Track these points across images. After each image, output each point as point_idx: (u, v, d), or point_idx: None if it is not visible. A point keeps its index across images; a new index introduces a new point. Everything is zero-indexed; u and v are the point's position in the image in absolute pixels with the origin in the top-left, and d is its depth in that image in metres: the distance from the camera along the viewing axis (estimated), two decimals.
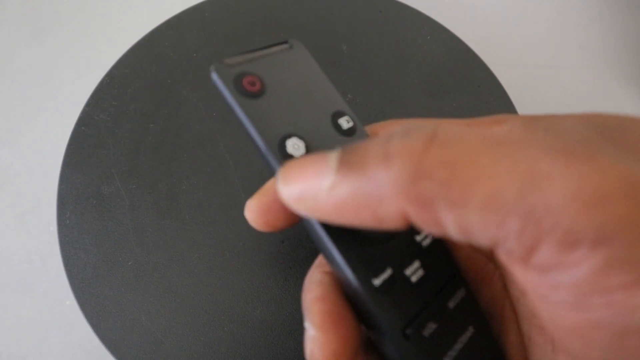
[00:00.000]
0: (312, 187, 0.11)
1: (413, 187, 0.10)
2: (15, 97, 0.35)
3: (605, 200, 0.09)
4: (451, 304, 0.14)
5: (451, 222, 0.10)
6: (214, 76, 0.13)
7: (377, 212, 0.11)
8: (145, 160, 0.27)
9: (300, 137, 0.13)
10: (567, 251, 0.09)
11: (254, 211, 0.15)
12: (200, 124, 0.28)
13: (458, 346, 0.13)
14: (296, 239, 0.25)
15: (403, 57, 0.31)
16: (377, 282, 0.13)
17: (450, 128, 0.11)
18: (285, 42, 0.15)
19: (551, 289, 0.11)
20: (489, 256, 0.15)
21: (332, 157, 0.11)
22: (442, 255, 0.14)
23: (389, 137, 0.11)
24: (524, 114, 0.29)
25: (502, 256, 0.12)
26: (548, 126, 0.11)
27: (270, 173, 0.13)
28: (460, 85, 0.30)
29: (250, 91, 0.13)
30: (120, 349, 0.22)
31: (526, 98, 0.35)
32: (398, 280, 0.13)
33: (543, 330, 0.13)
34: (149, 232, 0.25)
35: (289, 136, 0.13)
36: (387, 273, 0.13)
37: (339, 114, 0.15)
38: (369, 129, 0.16)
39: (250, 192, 0.26)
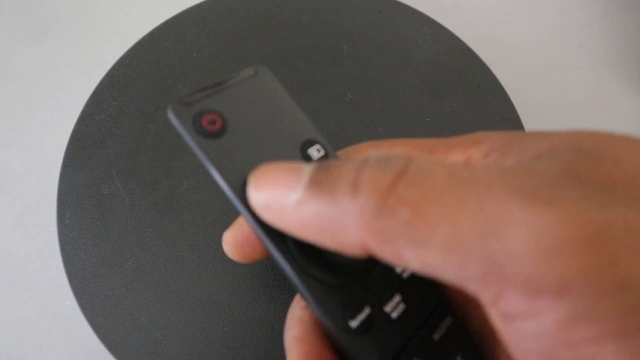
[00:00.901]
0: (280, 198, 0.11)
1: (375, 222, 0.10)
2: (15, 97, 0.35)
3: (567, 249, 0.09)
4: (436, 336, 0.13)
5: (412, 259, 0.10)
6: (171, 116, 0.12)
7: (339, 237, 0.11)
8: (145, 160, 0.27)
9: None
10: (531, 300, 0.09)
11: (230, 244, 0.15)
12: None
13: None
14: None
15: (403, 57, 0.31)
16: (354, 323, 0.12)
17: (422, 163, 0.10)
18: (250, 68, 0.15)
19: (520, 337, 0.10)
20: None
21: (305, 172, 0.11)
22: (425, 285, 0.14)
23: (362, 164, 0.11)
24: (524, 114, 0.29)
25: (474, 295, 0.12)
26: (518, 155, 0.11)
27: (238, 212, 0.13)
28: (460, 85, 0.30)
29: (211, 131, 0.13)
30: (120, 349, 0.22)
31: (526, 98, 0.35)
32: (377, 318, 0.12)
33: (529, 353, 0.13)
34: (149, 232, 0.25)
35: None
36: (365, 313, 0.12)
37: (309, 143, 0.14)
38: (342, 153, 0.15)
39: None
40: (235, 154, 0.13)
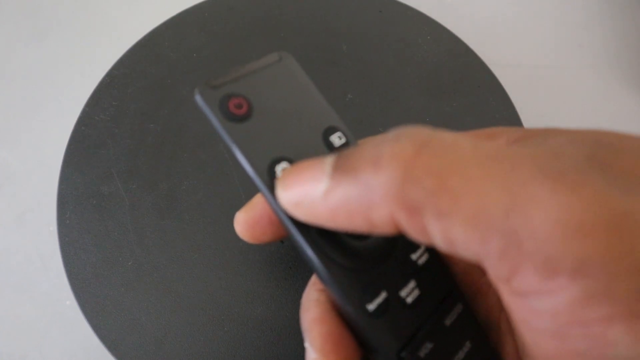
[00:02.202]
0: (308, 192, 0.11)
1: (402, 194, 0.10)
2: (15, 97, 0.35)
3: (588, 231, 0.09)
4: (448, 321, 0.13)
5: (437, 231, 0.10)
6: (198, 99, 0.13)
7: (369, 217, 0.11)
8: (145, 160, 0.27)
9: (290, 161, 0.13)
10: (547, 279, 0.09)
11: (242, 224, 0.16)
12: (200, 124, 0.28)
13: None
14: None
15: (403, 57, 0.31)
16: (371, 307, 0.12)
17: (444, 136, 0.10)
18: (274, 54, 0.15)
19: (532, 315, 0.10)
20: (484, 270, 0.15)
21: (327, 162, 0.11)
22: (438, 272, 0.14)
23: (381, 140, 0.11)
24: (524, 114, 0.29)
25: (489, 273, 0.12)
26: (541, 144, 0.11)
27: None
28: (460, 85, 0.30)
29: (237, 114, 0.13)
30: (120, 349, 0.22)
31: (526, 98, 0.35)
32: (393, 302, 0.13)
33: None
34: (149, 232, 0.25)
35: (278, 161, 0.13)
36: (382, 297, 0.13)
37: (331, 130, 0.14)
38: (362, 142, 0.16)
39: (250, 192, 0.26)
40: (260, 138, 0.13)
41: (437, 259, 0.14)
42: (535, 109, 0.34)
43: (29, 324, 0.27)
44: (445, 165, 0.10)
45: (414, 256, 0.14)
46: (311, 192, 0.11)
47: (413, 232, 0.11)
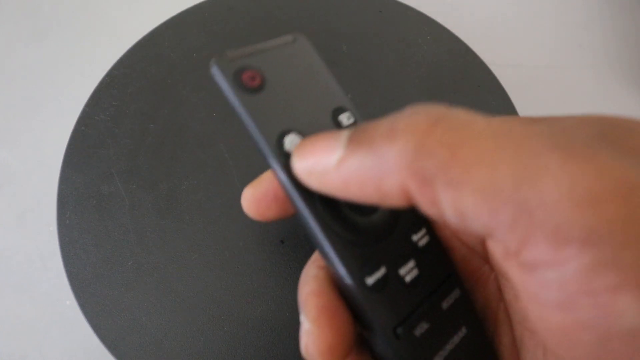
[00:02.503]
0: (322, 161, 0.12)
1: (415, 163, 0.10)
2: (15, 97, 0.35)
3: (599, 200, 0.09)
4: (445, 304, 0.14)
5: (447, 202, 0.10)
6: (214, 69, 0.13)
7: (381, 187, 0.11)
8: (145, 160, 0.27)
9: (299, 133, 0.13)
10: (557, 248, 0.09)
11: (248, 200, 0.16)
12: (200, 124, 0.28)
13: (449, 346, 0.13)
14: (296, 239, 0.25)
15: (403, 57, 0.31)
16: (370, 280, 0.13)
17: (458, 112, 0.11)
18: (289, 35, 0.15)
19: (540, 287, 0.11)
20: (484, 258, 0.15)
21: (343, 135, 0.12)
22: (438, 255, 0.14)
23: (397, 115, 0.11)
24: (524, 114, 0.29)
25: (495, 250, 0.12)
26: (552, 124, 0.11)
27: (268, 167, 0.13)
28: (460, 85, 0.30)
29: (250, 86, 0.13)
30: (120, 349, 0.22)
31: (526, 98, 0.35)
32: (392, 279, 0.13)
33: (534, 334, 0.13)
34: (149, 232, 0.25)
35: (288, 132, 0.13)
36: (381, 272, 0.13)
37: (340, 110, 0.15)
38: None
39: None
40: (271, 110, 0.13)
41: (438, 243, 0.15)
42: (535, 109, 0.34)
43: (29, 324, 0.27)
44: (459, 138, 0.10)
45: (414, 237, 0.14)
46: (325, 161, 0.12)
47: (423, 203, 0.11)
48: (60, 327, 0.27)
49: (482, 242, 0.15)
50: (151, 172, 0.26)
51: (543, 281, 0.10)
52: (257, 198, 0.16)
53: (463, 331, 0.14)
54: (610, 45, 0.38)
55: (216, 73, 0.13)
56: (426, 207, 0.11)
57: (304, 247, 0.24)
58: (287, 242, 0.25)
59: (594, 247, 0.09)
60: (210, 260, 0.24)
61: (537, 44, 0.38)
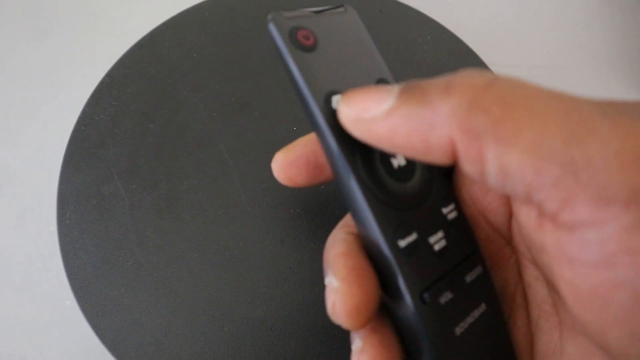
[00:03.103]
0: (371, 109, 0.12)
1: (467, 118, 0.10)
2: (15, 97, 0.35)
3: None
4: (468, 279, 0.14)
5: (493, 159, 0.10)
6: (271, 26, 0.14)
7: (428, 138, 0.11)
8: (145, 160, 0.27)
9: None
10: (599, 208, 0.10)
11: (279, 163, 0.16)
12: (200, 124, 0.28)
13: (470, 319, 0.13)
14: (296, 239, 0.25)
15: (403, 57, 0.31)
16: (402, 243, 0.13)
17: (511, 77, 0.11)
18: (341, 6, 0.16)
19: (578, 247, 0.11)
20: (507, 239, 0.15)
21: (395, 87, 0.12)
22: (464, 231, 0.15)
23: (454, 74, 0.11)
24: None
25: (529, 217, 0.12)
26: (599, 99, 0.12)
27: (311, 127, 0.14)
28: None
29: (304, 45, 0.14)
30: (120, 349, 0.22)
31: None
32: (422, 245, 0.13)
33: (551, 316, 0.13)
34: (149, 232, 0.25)
35: (336, 92, 0.14)
36: (413, 237, 0.13)
37: (384, 81, 0.15)
38: None
39: (250, 192, 0.26)
40: (321, 70, 0.14)
41: (464, 220, 0.15)
42: None
43: (29, 324, 0.27)
44: (512, 98, 0.10)
45: (444, 210, 0.14)
46: (374, 109, 0.12)
47: (467, 159, 0.11)
48: (60, 327, 0.27)
49: (508, 222, 0.15)
50: (151, 172, 0.26)
51: (582, 241, 0.10)
52: (289, 162, 0.16)
53: (483, 307, 0.14)
54: (610, 45, 0.38)
55: (273, 29, 0.14)
56: (469, 163, 0.11)
57: (304, 247, 0.24)
58: (287, 242, 0.25)
59: (637, 207, 0.09)
60: (210, 260, 0.24)
61: (537, 44, 0.38)
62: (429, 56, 0.31)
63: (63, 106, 0.34)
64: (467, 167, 0.11)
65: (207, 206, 0.26)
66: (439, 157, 0.11)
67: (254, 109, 0.29)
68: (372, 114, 0.12)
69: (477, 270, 0.14)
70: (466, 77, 0.11)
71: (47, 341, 0.27)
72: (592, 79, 0.37)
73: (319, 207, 0.26)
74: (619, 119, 0.10)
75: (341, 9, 0.16)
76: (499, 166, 0.10)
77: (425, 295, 0.13)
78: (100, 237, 0.25)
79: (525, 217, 0.12)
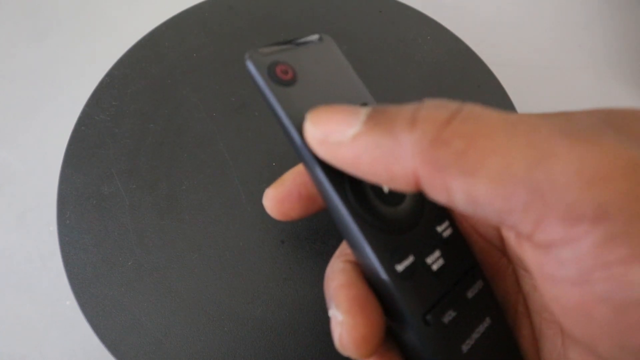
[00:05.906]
0: (337, 132, 0.12)
1: (430, 152, 0.11)
2: (15, 97, 0.35)
3: (606, 178, 0.09)
4: (470, 294, 0.14)
5: (460, 190, 0.11)
6: (249, 64, 0.14)
7: (392, 169, 0.11)
8: (145, 160, 0.27)
9: None
10: (570, 226, 0.10)
11: (271, 200, 0.16)
12: (200, 124, 0.28)
13: (475, 335, 0.13)
14: (296, 240, 0.25)
15: (403, 57, 0.31)
16: (399, 267, 0.13)
17: (474, 107, 0.11)
18: (316, 35, 0.16)
19: (556, 266, 0.11)
20: (502, 250, 0.15)
21: (362, 111, 0.12)
22: (461, 247, 0.15)
23: (419, 106, 0.12)
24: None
25: (509, 235, 0.12)
26: (560, 116, 0.12)
27: (297, 159, 0.14)
28: (460, 85, 0.30)
29: (283, 79, 0.14)
30: (120, 349, 0.22)
31: (526, 98, 0.35)
32: (419, 267, 0.13)
33: (552, 323, 0.13)
34: (149, 232, 0.25)
35: None
36: (410, 260, 0.13)
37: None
38: None
39: (250, 192, 0.26)
40: (301, 102, 0.14)
41: (460, 235, 0.15)
42: (535, 109, 0.34)
43: (29, 324, 0.27)
44: (475, 129, 0.11)
45: (439, 228, 0.14)
46: (340, 133, 0.12)
47: (432, 189, 0.11)
48: (60, 327, 0.27)
49: (499, 234, 0.15)
50: (151, 172, 0.26)
51: (558, 259, 0.11)
52: (281, 198, 0.16)
53: (487, 321, 0.14)
54: (610, 45, 0.38)
55: (251, 66, 0.14)
56: (434, 192, 0.11)
57: (304, 248, 0.24)
58: (287, 242, 0.25)
59: (605, 222, 0.09)
60: (210, 260, 0.24)
61: (537, 44, 0.38)
62: (429, 56, 0.31)
63: (63, 106, 0.34)
64: (433, 196, 0.11)
65: (207, 206, 0.26)
66: (404, 186, 0.12)
67: (254, 109, 0.29)
68: (337, 137, 0.12)
69: (478, 285, 0.14)
70: (430, 109, 0.11)
71: (47, 341, 0.27)
72: (592, 79, 0.37)
73: None
74: (577, 137, 0.10)
75: (316, 38, 0.16)
76: (466, 196, 0.11)
77: (428, 317, 0.13)
78: (100, 237, 0.25)
79: (507, 236, 0.12)
